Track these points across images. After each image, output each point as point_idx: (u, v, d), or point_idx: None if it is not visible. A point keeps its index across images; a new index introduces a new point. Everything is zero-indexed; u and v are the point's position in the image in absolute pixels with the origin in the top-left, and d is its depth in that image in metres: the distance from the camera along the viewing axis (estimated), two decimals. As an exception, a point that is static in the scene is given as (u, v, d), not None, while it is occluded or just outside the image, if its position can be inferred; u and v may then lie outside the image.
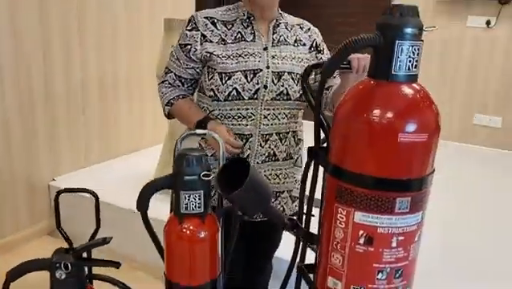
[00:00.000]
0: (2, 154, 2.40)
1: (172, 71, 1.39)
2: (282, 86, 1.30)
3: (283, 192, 1.41)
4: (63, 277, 0.96)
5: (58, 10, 2.56)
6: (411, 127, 0.73)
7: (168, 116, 1.42)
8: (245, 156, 1.31)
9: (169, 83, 1.40)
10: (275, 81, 1.29)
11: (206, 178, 0.87)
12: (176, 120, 1.44)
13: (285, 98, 1.31)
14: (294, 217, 1.05)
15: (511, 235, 2.34)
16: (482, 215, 2.58)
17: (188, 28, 1.33)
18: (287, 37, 1.36)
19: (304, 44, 1.39)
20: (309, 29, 1.42)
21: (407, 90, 0.76)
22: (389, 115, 0.74)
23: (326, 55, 1.42)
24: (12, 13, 2.33)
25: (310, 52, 1.39)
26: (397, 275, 0.81)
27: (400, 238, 0.79)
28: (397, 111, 0.74)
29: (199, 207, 0.88)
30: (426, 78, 3.90)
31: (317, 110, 0.90)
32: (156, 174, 2.57)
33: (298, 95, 1.31)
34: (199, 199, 0.88)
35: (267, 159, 1.35)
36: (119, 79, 3.07)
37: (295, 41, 1.38)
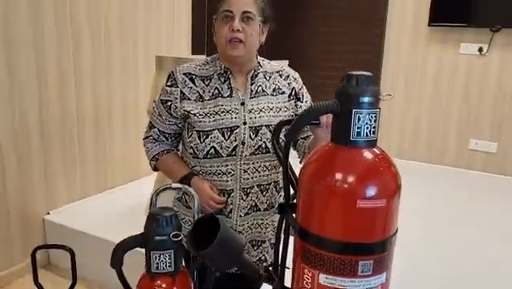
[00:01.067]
0: (-4, 188, 2.42)
1: (155, 127, 1.41)
2: (260, 140, 1.31)
3: (265, 241, 1.41)
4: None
5: (54, 43, 2.62)
6: (368, 193, 0.75)
7: (155, 169, 1.45)
8: (228, 211, 1.32)
9: (154, 139, 1.42)
10: (253, 136, 1.30)
11: (176, 238, 0.89)
12: None
13: (264, 151, 1.32)
14: (270, 268, 1.06)
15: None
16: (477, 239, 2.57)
17: (168, 84, 1.36)
18: (265, 87, 1.37)
19: (283, 92, 1.39)
20: (288, 76, 1.42)
21: (365, 156, 0.78)
22: (347, 181, 0.76)
23: (305, 102, 1.42)
24: (7, 47, 2.38)
25: (289, 100, 1.40)
26: (363, 336, 0.81)
27: (365, 299, 0.80)
28: (355, 177, 0.76)
29: (169, 266, 0.90)
30: (421, 103, 3.90)
31: (285, 168, 0.92)
32: (148, 204, 2.59)
33: None
34: (169, 259, 0.89)
35: (249, 211, 1.36)
36: (115, 111, 3.12)
37: (274, 90, 1.38)
